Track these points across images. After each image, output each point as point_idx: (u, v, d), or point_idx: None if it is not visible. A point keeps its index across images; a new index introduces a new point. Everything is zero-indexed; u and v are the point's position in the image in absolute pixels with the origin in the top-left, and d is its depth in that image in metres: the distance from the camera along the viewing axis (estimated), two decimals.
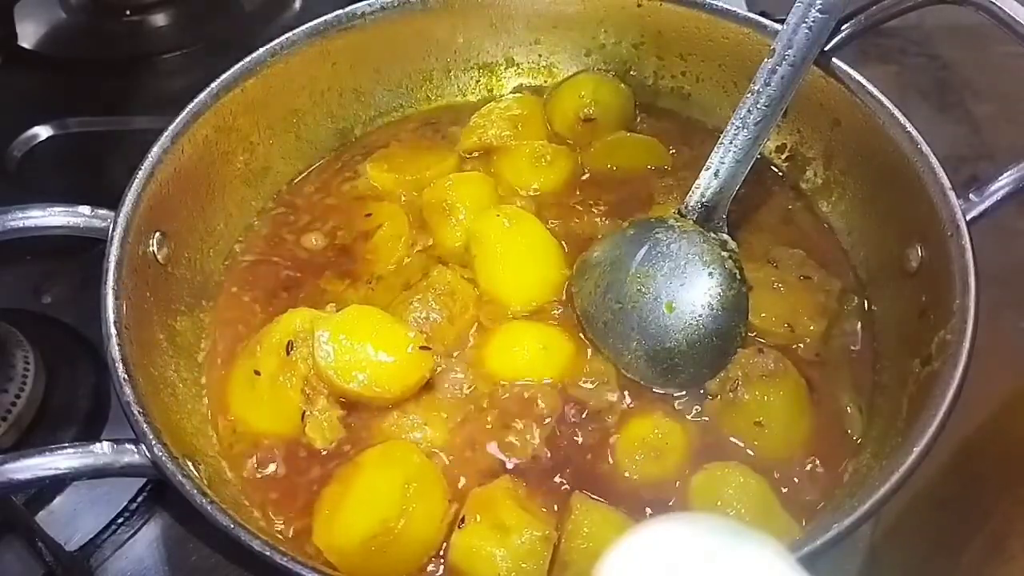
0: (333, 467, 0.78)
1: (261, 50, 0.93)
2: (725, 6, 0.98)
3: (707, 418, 0.80)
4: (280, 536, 0.74)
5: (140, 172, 0.81)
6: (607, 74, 1.08)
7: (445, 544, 0.72)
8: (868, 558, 0.81)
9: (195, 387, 0.83)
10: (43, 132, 1.21)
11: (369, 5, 0.99)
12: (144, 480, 0.86)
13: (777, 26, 0.88)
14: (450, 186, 0.95)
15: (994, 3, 0.79)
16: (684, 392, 0.82)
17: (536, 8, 1.06)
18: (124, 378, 0.70)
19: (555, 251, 0.91)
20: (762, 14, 0.97)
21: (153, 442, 0.66)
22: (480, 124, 1.04)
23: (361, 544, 0.70)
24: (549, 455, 0.78)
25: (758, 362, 0.80)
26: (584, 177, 1.01)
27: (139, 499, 0.85)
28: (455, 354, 0.84)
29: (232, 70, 0.91)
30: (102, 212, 0.78)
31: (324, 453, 0.79)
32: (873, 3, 0.89)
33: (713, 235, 0.86)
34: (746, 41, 0.97)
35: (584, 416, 0.81)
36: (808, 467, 0.78)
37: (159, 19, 1.41)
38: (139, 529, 0.85)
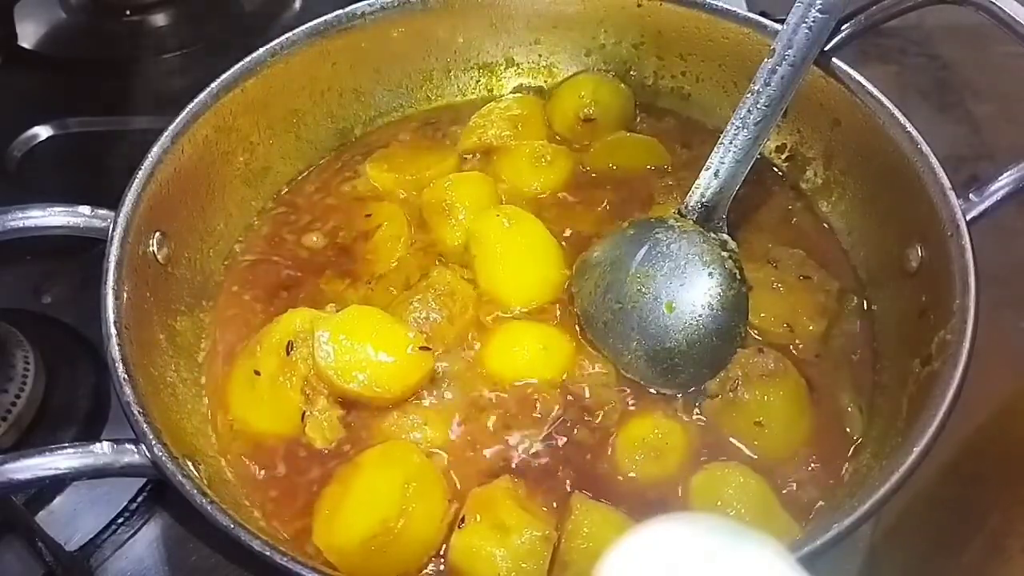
0: (333, 467, 0.78)
1: (261, 50, 0.93)
2: (725, 6, 0.98)
3: (707, 418, 0.80)
4: (280, 536, 0.74)
5: (140, 172, 0.81)
6: (607, 74, 1.08)
7: (445, 544, 0.72)
8: (868, 558, 0.81)
9: (195, 387, 0.83)
10: (43, 132, 1.21)
11: (369, 5, 0.99)
12: (144, 480, 0.86)
13: (777, 26, 0.88)
14: (450, 186, 0.95)
15: (994, 3, 0.79)
16: (684, 392, 0.82)
17: (536, 8, 1.06)
18: (124, 378, 0.70)
19: (555, 251, 0.91)
20: (762, 14, 0.97)
21: (153, 442, 0.66)
22: (480, 124, 1.04)
23: (361, 544, 0.70)
24: (549, 455, 0.78)
25: (758, 362, 0.80)
26: (584, 177, 1.01)
27: (139, 499, 0.85)
28: (455, 354, 0.84)
29: (232, 70, 0.91)
30: (102, 212, 0.78)
31: (324, 453, 0.79)
32: (873, 3, 0.89)
33: (713, 235, 0.86)
34: (746, 41, 0.97)
35: (584, 416, 0.81)
36: (808, 467, 0.78)
37: (159, 19, 1.41)
38: (139, 529, 0.85)
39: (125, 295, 0.75)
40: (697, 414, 0.81)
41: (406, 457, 0.75)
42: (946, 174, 0.79)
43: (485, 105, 1.07)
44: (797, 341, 0.85)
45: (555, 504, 0.75)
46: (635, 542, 0.46)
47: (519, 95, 1.10)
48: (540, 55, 1.10)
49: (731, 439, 0.79)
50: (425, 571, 0.72)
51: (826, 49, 0.87)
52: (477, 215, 0.93)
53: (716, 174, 0.86)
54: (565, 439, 0.79)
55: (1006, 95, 1.28)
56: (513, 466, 0.78)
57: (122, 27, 1.41)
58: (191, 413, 0.80)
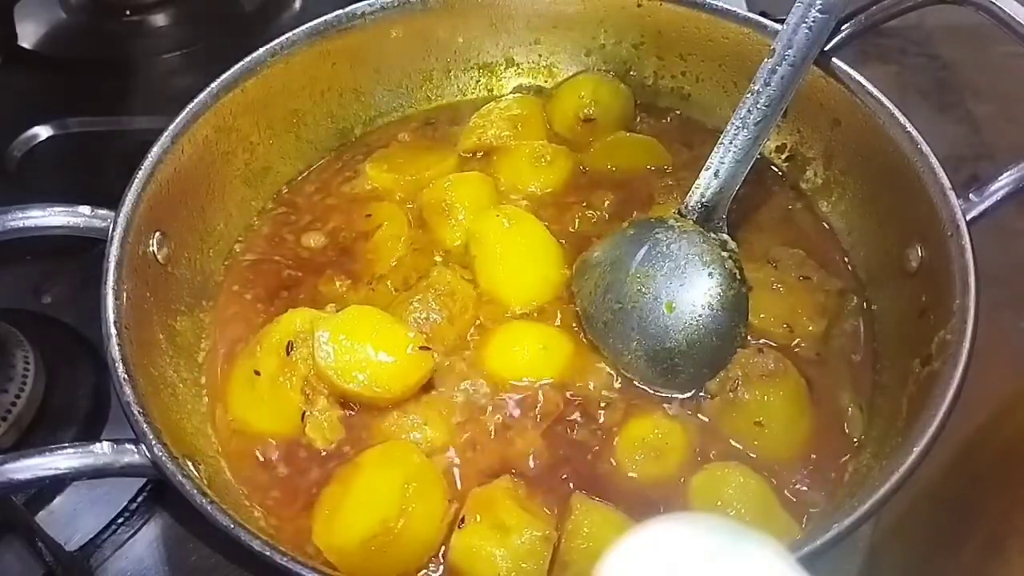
0: (333, 467, 0.78)
1: (261, 50, 0.93)
2: (725, 6, 0.98)
3: (707, 418, 0.80)
4: (280, 536, 0.74)
5: (140, 172, 0.81)
6: (607, 74, 1.08)
7: (445, 544, 0.72)
8: (868, 558, 0.81)
9: (195, 387, 0.83)
10: (43, 132, 1.21)
11: (369, 5, 0.99)
12: (144, 480, 0.86)
13: (777, 26, 0.88)
14: (450, 186, 0.95)
15: (994, 3, 0.79)
16: (684, 392, 0.82)
17: (536, 8, 1.06)
18: (124, 378, 0.70)
19: (555, 251, 0.91)
20: (762, 14, 0.97)
21: (153, 442, 0.66)
22: (480, 124, 1.04)
23: (361, 544, 0.70)
24: (549, 455, 0.78)
25: (758, 362, 0.80)
26: (584, 177, 1.01)
27: (139, 499, 0.85)
28: (455, 354, 0.84)
29: (232, 70, 0.91)
30: (102, 212, 0.78)
31: (324, 453, 0.79)
32: (873, 3, 0.89)
33: (713, 235, 0.86)
34: (746, 41, 0.97)
35: (584, 416, 0.81)
36: (808, 467, 0.78)
37: (159, 19, 1.41)
38: (139, 529, 0.85)
39: (125, 295, 0.75)
40: (697, 414, 0.81)
41: (406, 457, 0.75)
42: (946, 174, 0.79)
43: (485, 105, 1.07)
44: (797, 341, 0.85)
45: (555, 504, 0.75)
46: (635, 542, 0.46)
47: (519, 95, 1.10)
48: (540, 55, 1.10)
49: (731, 439, 0.79)
50: (425, 571, 0.72)
51: (826, 49, 0.87)
52: (477, 215, 0.93)
53: (716, 174, 0.86)
54: (565, 439, 0.79)
55: (1006, 95, 1.28)
56: (513, 466, 0.78)
57: (122, 27, 1.41)
58: (191, 413, 0.80)
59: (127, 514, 0.85)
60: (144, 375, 0.73)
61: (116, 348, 0.72)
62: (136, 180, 0.81)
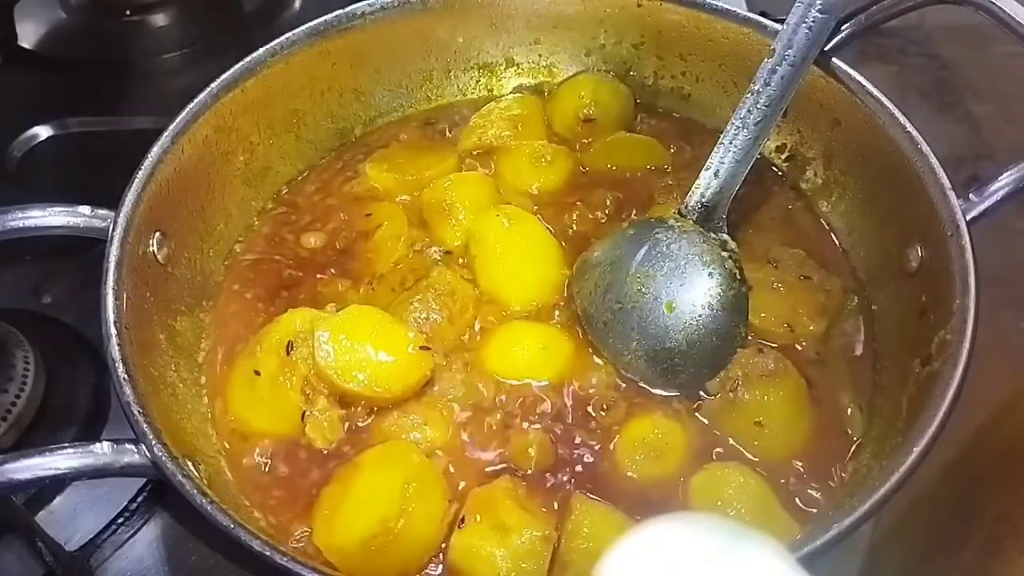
0: (333, 467, 0.78)
1: (261, 50, 0.93)
2: (725, 6, 0.98)
3: (707, 418, 0.80)
4: (280, 536, 0.74)
5: (140, 172, 0.81)
6: (607, 74, 1.08)
7: (445, 544, 0.72)
8: (868, 558, 0.81)
9: (195, 387, 0.83)
10: (43, 132, 1.21)
11: (369, 5, 0.99)
12: (144, 480, 0.86)
13: (777, 26, 0.88)
14: (450, 186, 0.95)
15: (994, 3, 0.79)
16: (684, 392, 0.82)
17: (536, 8, 1.06)
18: (124, 378, 0.70)
19: (555, 251, 0.91)
20: (762, 14, 0.97)
21: (153, 442, 0.66)
22: (480, 124, 1.04)
23: (361, 544, 0.70)
24: (549, 455, 0.78)
25: (758, 362, 0.80)
26: (584, 177, 1.01)
27: (139, 499, 0.85)
28: (455, 354, 0.84)
29: (232, 70, 0.91)
30: (102, 212, 0.78)
31: (324, 453, 0.79)
32: (873, 3, 0.89)
33: (713, 235, 0.86)
34: (746, 41, 0.97)
35: (584, 416, 0.81)
36: (808, 467, 0.78)
37: (159, 19, 1.41)
38: (139, 529, 0.85)
39: (125, 295, 0.75)
40: (697, 414, 0.81)
41: (406, 457, 0.75)
42: (946, 174, 0.79)
43: (485, 105, 1.07)
44: (797, 341, 0.85)
45: (555, 504, 0.75)
46: (635, 542, 0.46)
47: (519, 95, 1.10)
48: (540, 55, 1.10)
49: (731, 439, 0.79)
50: (425, 571, 0.72)
51: (826, 49, 0.87)
52: (477, 215, 0.93)
53: (716, 174, 0.86)
54: (565, 439, 0.79)
55: (1006, 95, 1.28)
56: (513, 466, 0.78)
57: (122, 27, 1.41)
58: (191, 413, 0.80)
59: (127, 514, 0.85)
60: (144, 375, 0.73)
61: (116, 348, 0.72)
62: (136, 180, 0.81)
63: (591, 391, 0.82)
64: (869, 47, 1.32)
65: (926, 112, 1.26)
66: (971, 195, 0.77)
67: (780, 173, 1.02)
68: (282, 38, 0.95)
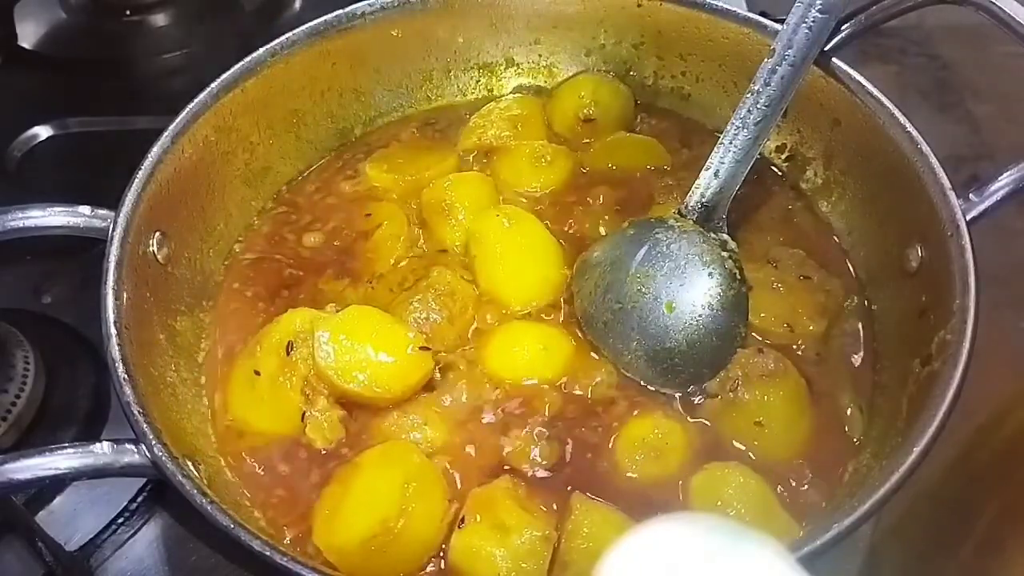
0: (333, 467, 0.78)
1: (261, 50, 0.93)
2: (725, 6, 0.98)
3: (707, 418, 0.80)
4: (280, 536, 0.74)
5: (140, 172, 0.81)
6: (607, 74, 1.08)
7: (445, 544, 0.72)
8: (868, 558, 0.81)
9: (195, 387, 0.83)
10: (43, 132, 1.21)
11: (369, 5, 0.99)
12: (144, 480, 0.86)
13: (777, 26, 0.88)
14: (450, 186, 0.95)
15: (994, 3, 0.79)
16: (684, 392, 0.82)
17: (536, 8, 1.06)
18: (124, 378, 0.70)
19: (555, 251, 0.91)
20: (762, 14, 0.97)
21: (153, 442, 0.66)
22: (480, 124, 1.04)
23: (361, 544, 0.70)
24: (549, 455, 0.78)
25: (758, 362, 0.80)
26: (584, 177, 1.01)
27: (139, 499, 0.85)
28: (455, 354, 0.84)
29: (232, 70, 0.91)
30: (102, 212, 0.78)
31: (324, 453, 0.79)
32: (873, 3, 0.89)
33: (713, 235, 0.86)
34: (746, 41, 0.97)
35: (584, 416, 0.81)
36: (808, 467, 0.78)
37: (159, 19, 1.41)
38: (139, 529, 0.85)
39: (125, 295, 0.75)
40: (697, 414, 0.81)
41: (406, 457, 0.75)
42: (946, 174, 0.79)
43: (485, 105, 1.07)
44: (797, 341, 0.85)
45: (555, 504, 0.75)
46: (635, 542, 0.46)
47: (519, 95, 1.10)
48: (540, 55, 1.10)
49: (731, 439, 0.79)
50: (425, 571, 0.72)
51: (826, 49, 0.87)
52: (477, 215, 0.93)
53: (716, 174, 0.86)
54: (565, 439, 0.79)
55: (1006, 95, 1.28)
56: (513, 466, 0.78)
57: (122, 27, 1.41)
58: (191, 413, 0.80)
59: (127, 514, 0.85)
60: (144, 375, 0.73)
61: (116, 348, 0.72)
62: (136, 180, 0.81)
63: (591, 391, 0.82)
64: (869, 47, 1.32)
65: (926, 112, 1.26)
66: (971, 195, 0.77)
67: (780, 173, 1.02)
68: (282, 38, 0.95)
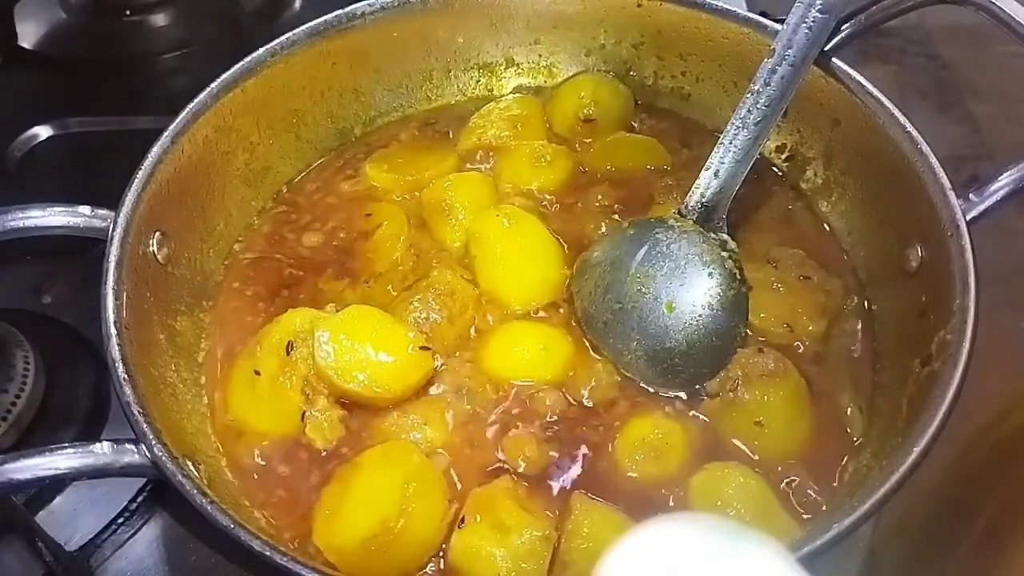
0: (333, 467, 0.78)
1: (261, 50, 0.93)
2: (725, 6, 0.98)
3: (707, 418, 0.80)
4: (280, 536, 0.74)
5: (140, 172, 0.81)
6: (607, 74, 1.08)
7: (445, 544, 0.72)
8: (868, 558, 0.81)
9: (195, 387, 0.83)
10: (43, 132, 1.21)
11: (369, 5, 0.99)
12: (144, 480, 0.86)
13: (777, 26, 0.88)
14: (450, 186, 0.95)
15: (994, 3, 0.79)
16: (684, 392, 0.82)
17: (536, 8, 1.06)
18: (124, 378, 0.70)
19: (555, 251, 0.91)
20: (762, 14, 0.97)
21: (153, 442, 0.66)
22: (480, 124, 1.04)
23: (361, 544, 0.70)
24: (549, 455, 0.78)
25: (758, 362, 0.80)
26: (584, 177, 1.01)
27: (139, 499, 0.85)
28: (455, 354, 0.84)
29: (232, 70, 0.91)
30: (102, 212, 0.78)
31: (324, 453, 0.79)
32: (873, 3, 0.89)
33: (713, 235, 0.86)
34: (746, 41, 0.97)
35: (584, 416, 0.81)
36: (808, 467, 0.78)
37: (159, 19, 1.41)
38: (139, 529, 0.85)
39: (125, 295, 0.75)
40: (697, 414, 0.81)
41: (406, 457, 0.75)
42: (946, 174, 0.79)
43: (485, 105, 1.07)
44: (797, 341, 0.85)
45: (555, 504, 0.75)
46: (635, 542, 0.46)
47: (519, 95, 1.10)
48: (540, 55, 1.10)
49: (731, 439, 0.79)
50: (425, 571, 0.72)
51: (826, 49, 0.87)
52: (477, 215, 0.93)
53: (716, 174, 0.86)
54: (565, 439, 0.79)
55: (1006, 95, 1.28)
56: (513, 466, 0.78)
57: (122, 27, 1.41)
58: (191, 413, 0.80)
59: (127, 514, 0.85)
60: (144, 375, 0.73)
61: (116, 348, 0.72)
62: (136, 180, 0.81)
63: (591, 391, 0.82)
64: (869, 47, 1.32)
65: (926, 112, 1.26)
66: (971, 195, 0.77)
67: (780, 173, 1.02)
68: (282, 38, 0.95)
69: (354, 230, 0.96)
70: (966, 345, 0.70)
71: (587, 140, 1.04)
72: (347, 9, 0.98)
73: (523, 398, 0.81)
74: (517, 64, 1.11)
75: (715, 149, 0.86)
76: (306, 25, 0.96)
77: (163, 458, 0.66)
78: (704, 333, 0.82)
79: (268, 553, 0.61)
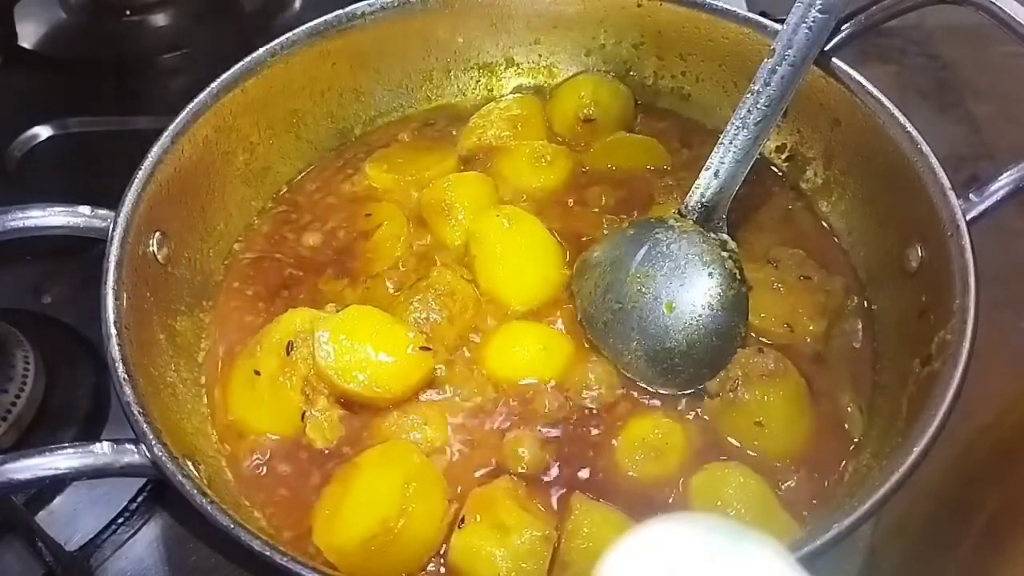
0: (333, 467, 0.78)
1: (261, 50, 0.93)
2: (725, 6, 0.98)
3: (707, 418, 0.80)
4: (280, 536, 0.74)
5: (140, 172, 0.81)
6: (607, 74, 1.08)
7: (445, 544, 0.72)
8: (868, 558, 0.81)
9: (195, 387, 0.83)
10: (43, 132, 1.21)
11: (369, 5, 0.99)
12: (144, 480, 0.86)
13: (777, 26, 0.88)
14: (450, 186, 0.95)
15: (994, 3, 0.79)
16: (684, 392, 0.82)
17: (536, 8, 1.06)
18: (124, 378, 0.70)
19: (555, 251, 0.91)
20: (762, 14, 0.97)
21: (153, 442, 0.66)
22: (480, 124, 1.04)
23: (361, 544, 0.70)
24: (549, 455, 0.78)
25: (758, 362, 0.80)
26: (584, 177, 1.01)
27: (139, 499, 0.85)
28: (455, 354, 0.84)
29: (232, 70, 0.91)
30: (102, 212, 0.78)
31: (324, 453, 0.79)
32: (873, 3, 0.89)
33: (713, 235, 0.86)
34: (746, 41, 0.97)
35: (584, 416, 0.81)
36: (808, 467, 0.78)
37: (159, 19, 1.41)
38: (139, 529, 0.85)
39: (125, 295, 0.75)
40: (697, 414, 0.81)
41: (406, 457, 0.75)
42: (946, 174, 0.79)
43: (485, 105, 1.07)
44: (797, 341, 0.85)
45: (555, 504, 0.75)
46: (635, 542, 0.46)
47: (519, 95, 1.10)
48: (540, 55, 1.10)
49: (731, 439, 0.79)
50: (425, 571, 0.72)
51: (826, 49, 0.87)
52: (477, 215, 0.93)
53: (716, 174, 0.86)
54: (565, 439, 0.79)
55: (1006, 95, 1.28)
56: (513, 466, 0.78)
57: (122, 27, 1.41)
58: (191, 413, 0.80)
59: (127, 514, 0.85)
60: (144, 375, 0.73)
61: (116, 348, 0.72)
62: (136, 180, 0.81)
63: (591, 391, 0.82)
64: (869, 47, 1.32)
65: (926, 112, 1.26)
66: (971, 195, 0.77)
67: (780, 173, 1.02)
68: (282, 38, 0.95)
69: (354, 230, 0.96)
70: (966, 345, 0.70)
71: (587, 140, 1.04)
72: (347, 9, 0.98)
73: (523, 398, 0.81)
74: (517, 64, 1.11)
75: (715, 149, 0.86)
76: (306, 25, 0.96)
77: (163, 458, 0.66)
78: (704, 333, 0.82)
79: (268, 553, 0.61)
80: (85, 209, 0.77)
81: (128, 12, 1.41)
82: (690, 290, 0.83)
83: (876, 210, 0.90)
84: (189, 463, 0.69)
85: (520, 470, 0.77)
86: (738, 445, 0.79)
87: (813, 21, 0.80)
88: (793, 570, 0.44)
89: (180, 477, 0.65)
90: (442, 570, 0.72)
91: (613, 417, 0.81)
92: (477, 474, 0.77)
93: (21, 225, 0.74)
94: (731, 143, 0.84)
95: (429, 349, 0.81)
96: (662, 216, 0.89)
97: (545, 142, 1.03)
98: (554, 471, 0.78)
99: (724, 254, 0.85)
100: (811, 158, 0.99)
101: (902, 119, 0.84)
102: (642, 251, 0.86)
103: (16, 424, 0.86)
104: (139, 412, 0.68)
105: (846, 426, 0.80)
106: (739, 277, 0.84)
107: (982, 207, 0.77)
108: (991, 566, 0.80)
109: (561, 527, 0.73)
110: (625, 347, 0.83)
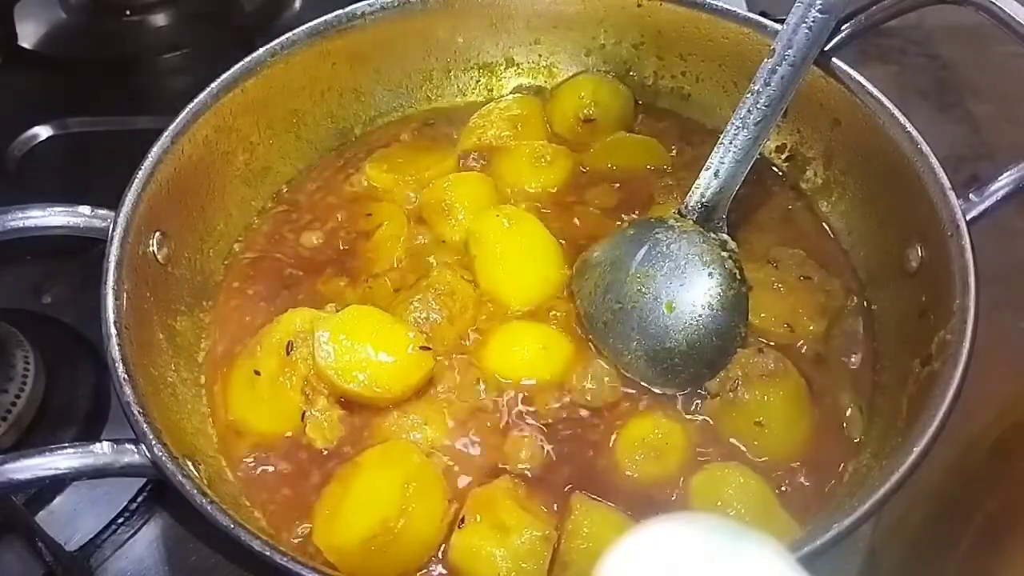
0: (333, 467, 0.78)
1: (261, 50, 0.93)
2: (725, 6, 0.98)
3: (707, 418, 0.80)
4: (280, 536, 0.74)
5: (140, 172, 0.81)
6: (607, 75, 1.08)
7: (445, 544, 0.72)
8: (868, 558, 0.81)
9: (195, 387, 0.83)
10: (43, 132, 1.21)
11: (369, 5, 0.99)
12: (144, 480, 0.86)
13: (777, 26, 0.88)
14: (449, 186, 0.95)
15: (994, 3, 0.79)
16: (684, 392, 0.82)
17: (536, 8, 1.06)
18: (124, 378, 0.70)
19: (555, 251, 0.91)
20: (762, 14, 0.97)
21: (153, 442, 0.66)
22: (480, 124, 1.04)
23: (361, 544, 0.70)
24: (549, 455, 0.78)
25: (758, 362, 0.80)
26: (584, 177, 1.01)
27: (139, 499, 0.85)
28: (455, 354, 0.84)
29: (232, 70, 0.91)
30: (102, 212, 0.78)
31: (324, 453, 0.79)
32: (873, 3, 0.89)
33: (713, 235, 0.86)
34: (746, 41, 0.97)
35: (584, 416, 0.81)
36: (809, 467, 0.78)
37: (159, 19, 1.41)
38: (139, 529, 0.85)
39: (125, 295, 0.75)
40: (697, 414, 0.81)
41: (406, 457, 0.75)
42: (946, 174, 0.79)
43: (485, 105, 1.07)
44: (797, 341, 0.85)
45: (555, 504, 0.75)
46: (635, 542, 0.46)
47: (519, 95, 1.10)
48: (540, 55, 1.10)
49: (731, 439, 0.79)
50: (425, 571, 0.72)
51: (826, 49, 0.87)
52: (477, 215, 0.93)
53: (716, 174, 0.86)
54: (565, 439, 0.79)
55: (1006, 95, 1.28)
56: (513, 466, 0.78)
57: (122, 27, 1.41)
58: (191, 413, 0.80)
59: (127, 514, 0.85)
60: (144, 375, 0.73)
61: (116, 348, 0.72)
62: (136, 180, 0.81)
63: (591, 391, 0.82)
64: (869, 47, 1.32)
65: (926, 112, 1.26)
66: (971, 195, 0.77)
67: (780, 173, 1.02)
68: (282, 38, 0.95)
69: (354, 230, 0.96)
70: (966, 345, 0.70)
71: (587, 140, 1.04)
72: (347, 9, 0.98)
73: (523, 398, 0.81)
74: (517, 64, 1.11)
75: (715, 149, 0.86)
76: (306, 25, 0.96)
77: (163, 458, 0.66)
78: (704, 333, 0.82)
79: (268, 553, 0.61)
80: (85, 209, 0.77)
81: (128, 12, 1.41)
82: (690, 290, 0.83)
83: (876, 210, 0.90)
84: (189, 463, 0.69)
85: (520, 470, 0.77)
86: (738, 445, 0.79)
87: (813, 21, 0.80)
88: (793, 570, 0.44)
89: (180, 477, 0.65)
90: (442, 570, 0.72)
91: (613, 417, 0.81)
92: (477, 474, 0.77)
93: (21, 225, 0.74)
94: (731, 143, 0.84)
95: (429, 349, 0.80)
96: (662, 216, 0.89)
97: (545, 142, 1.03)
98: (554, 471, 0.78)
99: (724, 254, 0.85)
100: (811, 158, 0.99)
101: (902, 119, 0.84)
102: (642, 251, 0.86)
103: (16, 424, 0.86)
104: (139, 412, 0.68)
105: (846, 426, 0.80)
106: (739, 277, 0.84)
107: (982, 207, 0.77)
108: (991, 566, 0.80)
109: (561, 527, 0.73)
110: (625, 347, 0.83)
